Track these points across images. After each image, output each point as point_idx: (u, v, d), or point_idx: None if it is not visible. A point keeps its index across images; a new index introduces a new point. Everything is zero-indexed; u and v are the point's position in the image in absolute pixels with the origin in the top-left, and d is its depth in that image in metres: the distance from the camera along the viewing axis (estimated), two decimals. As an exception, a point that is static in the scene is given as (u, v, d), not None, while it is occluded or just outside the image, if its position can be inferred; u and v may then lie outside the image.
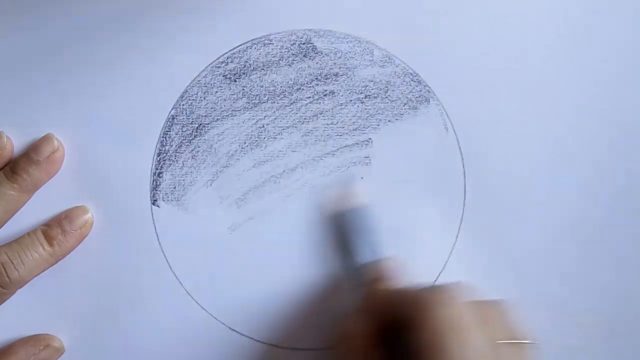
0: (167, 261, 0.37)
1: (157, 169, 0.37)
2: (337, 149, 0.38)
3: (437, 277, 0.37)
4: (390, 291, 0.33)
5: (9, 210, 0.36)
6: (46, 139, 0.36)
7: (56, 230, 0.36)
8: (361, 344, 0.30)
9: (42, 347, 0.35)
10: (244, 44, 0.38)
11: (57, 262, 0.36)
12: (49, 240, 0.35)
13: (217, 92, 0.37)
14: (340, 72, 0.38)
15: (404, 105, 0.38)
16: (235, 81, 0.38)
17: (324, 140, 0.38)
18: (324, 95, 0.38)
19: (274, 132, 0.37)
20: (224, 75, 0.37)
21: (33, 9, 0.37)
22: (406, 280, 0.34)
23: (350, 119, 0.38)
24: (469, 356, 0.27)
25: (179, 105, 0.37)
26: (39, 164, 0.36)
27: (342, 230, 0.36)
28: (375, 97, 0.38)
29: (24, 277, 0.35)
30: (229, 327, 0.37)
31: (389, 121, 0.38)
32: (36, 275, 0.35)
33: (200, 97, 0.37)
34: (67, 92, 0.37)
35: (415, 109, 0.38)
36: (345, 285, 0.37)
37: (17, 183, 0.35)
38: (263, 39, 0.38)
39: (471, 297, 0.30)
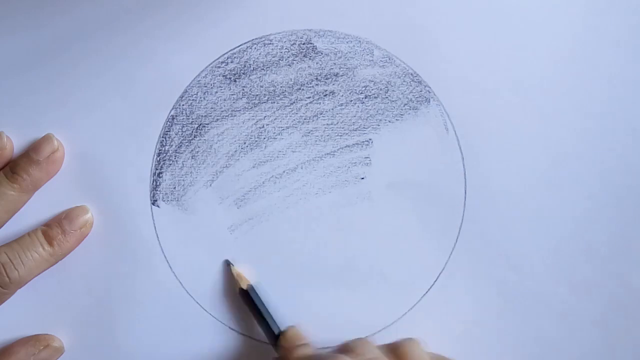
0: (167, 261, 0.37)
1: (157, 169, 0.37)
2: (338, 149, 0.38)
3: (437, 278, 0.37)
4: (306, 357, 0.33)
5: (9, 210, 0.36)
6: (46, 139, 0.36)
7: (56, 230, 0.36)
8: None
9: (42, 347, 0.35)
10: (244, 44, 0.38)
11: (57, 262, 0.36)
12: (49, 240, 0.35)
13: (217, 92, 0.37)
14: (341, 72, 0.38)
15: (404, 106, 0.38)
16: (235, 81, 0.37)
17: (324, 141, 0.38)
18: (324, 96, 0.38)
19: (274, 133, 0.37)
20: (223, 76, 0.37)
21: (32, 9, 0.37)
22: (314, 344, 0.35)
23: (351, 119, 0.38)
24: None
25: (179, 105, 0.37)
26: (39, 164, 0.36)
27: (252, 304, 0.36)
28: (375, 98, 0.38)
29: (24, 277, 0.35)
30: (229, 327, 0.37)
31: (390, 121, 0.38)
32: (36, 275, 0.36)
33: (200, 97, 0.37)
34: (67, 92, 0.37)
35: (416, 109, 0.38)
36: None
37: (17, 183, 0.35)
38: (263, 39, 0.38)
39: (378, 345, 0.33)
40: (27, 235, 0.36)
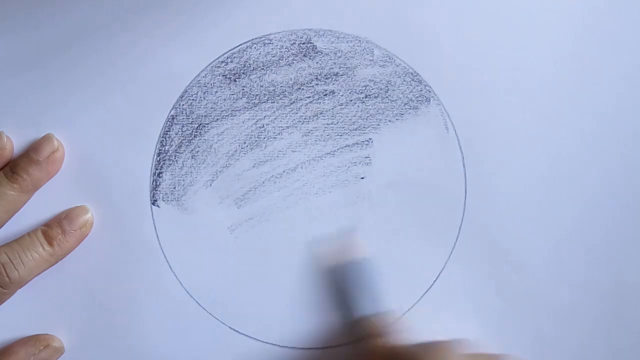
0: (167, 261, 0.37)
1: (157, 169, 0.37)
2: (338, 149, 0.38)
3: (437, 277, 0.37)
4: (389, 348, 0.33)
5: (9, 210, 0.36)
6: (46, 139, 0.36)
7: (56, 230, 0.36)
8: None
9: (42, 347, 0.35)
10: (244, 43, 0.37)
11: (57, 262, 0.36)
12: (49, 240, 0.35)
13: (217, 92, 0.37)
14: (341, 72, 0.38)
15: (404, 105, 0.38)
16: (235, 81, 0.37)
17: (324, 140, 0.38)
18: (324, 95, 0.38)
19: (274, 132, 0.37)
20: (223, 75, 0.37)
21: (32, 9, 0.37)
22: (403, 336, 0.35)
23: (351, 119, 0.38)
24: None
25: (179, 105, 0.37)
26: (39, 164, 0.36)
27: (341, 283, 0.36)
28: (375, 97, 0.38)
29: (23, 277, 0.35)
30: (229, 327, 0.37)
31: (390, 121, 0.38)
32: (36, 275, 0.36)
33: (200, 97, 0.37)
34: (67, 92, 0.37)
35: (416, 108, 0.38)
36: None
37: (17, 183, 0.35)
38: (263, 38, 0.38)
39: (467, 350, 0.32)
40: (27, 235, 0.36)
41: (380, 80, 0.38)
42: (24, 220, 0.36)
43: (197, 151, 0.37)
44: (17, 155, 0.36)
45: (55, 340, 0.36)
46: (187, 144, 0.37)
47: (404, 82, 0.38)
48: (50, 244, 0.35)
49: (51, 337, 0.36)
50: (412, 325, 0.37)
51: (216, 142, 0.37)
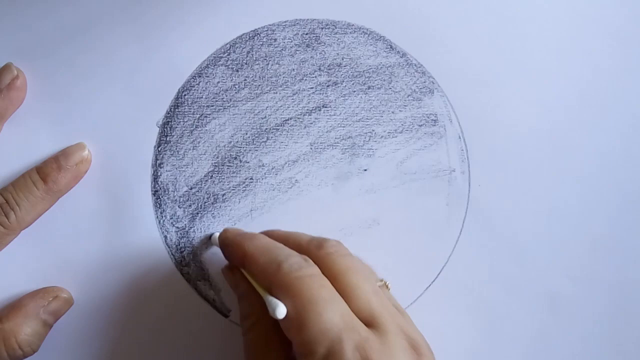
0: (169, 252, 0.37)
1: (158, 160, 0.37)
2: (340, 141, 0.37)
3: (440, 271, 0.37)
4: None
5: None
6: (6, 68, 0.36)
7: (51, 166, 0.35)
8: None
9: (50, 299, 0.35)
10: (247, 33, 0.37)
11: (55, 200, 0.36)
12: (44, 177, 0.35)
13: (219, 82, 0.37)
14: (344, 63, 0.37)
15: (407, 97, 0.37)
16: (237, 71, 0.37)
17: (326, 132, 0.37)
18: (327, 86, 0.37)
19: (276, 123, 0.37)
20: (226, 66, 0.37)
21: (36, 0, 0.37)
22: None
23: (354, 110, 0.37)
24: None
25: (181, 95, 0.37)
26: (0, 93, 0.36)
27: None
28: (378, 88, 0.37)
29: (22, 217, 0.35)
30: (230, 320, 0.37)
31: (393, 112, 0.37)
32: (38, 216, 0.35)
33: (202, 88, 0.37)
34: (69, 82, 0.37)
35: (419, 100, 0.37)
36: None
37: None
38: (266, 28, 0.37)
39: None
40: (22, 176, 0.35)
41: (384, 72, 0.37)
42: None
43: (199, 142, 0.37)
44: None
45: (63, 292, 0.35)
46: (188, 134, 0.37)
47: (407, 74, 0.37)
48: (44, 181, 0.35)
49: (59, 288, 0.35)
50: (415, 319, 0.36)
51: (218, 133, 0.37)
